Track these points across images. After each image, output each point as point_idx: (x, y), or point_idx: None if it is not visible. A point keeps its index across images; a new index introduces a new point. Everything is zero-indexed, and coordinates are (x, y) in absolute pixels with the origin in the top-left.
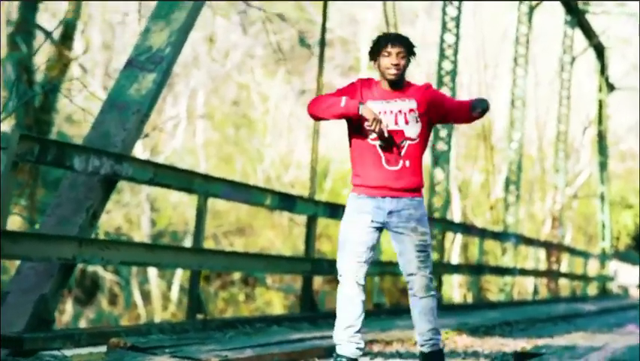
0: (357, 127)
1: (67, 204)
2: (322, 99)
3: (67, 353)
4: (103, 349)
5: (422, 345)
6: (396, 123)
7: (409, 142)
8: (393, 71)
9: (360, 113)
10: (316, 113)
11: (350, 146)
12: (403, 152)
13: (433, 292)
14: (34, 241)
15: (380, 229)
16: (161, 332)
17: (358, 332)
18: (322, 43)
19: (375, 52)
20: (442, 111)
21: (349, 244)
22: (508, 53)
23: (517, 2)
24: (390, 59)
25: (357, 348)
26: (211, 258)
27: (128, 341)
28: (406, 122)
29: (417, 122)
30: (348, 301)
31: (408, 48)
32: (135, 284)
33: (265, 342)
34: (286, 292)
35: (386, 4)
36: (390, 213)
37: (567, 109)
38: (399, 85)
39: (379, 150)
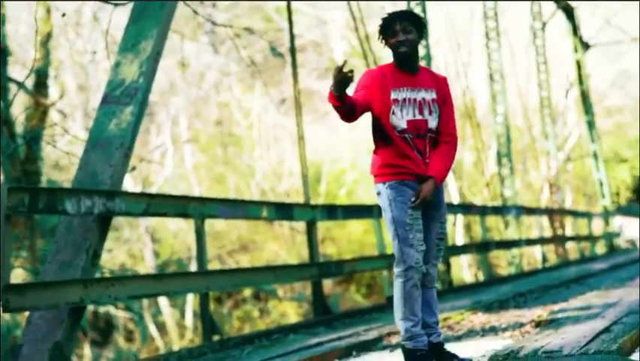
0: (385, 121)
1: (67, 248)
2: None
3: None
4: None
5: (430, 335)
6: (420, 113)
7: (430, 134)
8: (403, 48)
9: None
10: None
11: (378, 138)
12: (427, 144)
13: (437, 283)
14: (39, 290)
15: None
16: (180, 359)
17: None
18: (292, 45)
19: (384, 33)
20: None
21: (413, 232)
22: (479, 30)
23: None
24: (397, 37)
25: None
26: (218, 278)
27: None
28: (430, 113)
29: (437, 112)
30: (419, 294)
31: (414, 22)
32: (149, 317)
33: (284, 352)
34: (299, 300)
35: (350, 3)
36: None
37: (546, 74)
38: (414, 67)
39: (410, 142)
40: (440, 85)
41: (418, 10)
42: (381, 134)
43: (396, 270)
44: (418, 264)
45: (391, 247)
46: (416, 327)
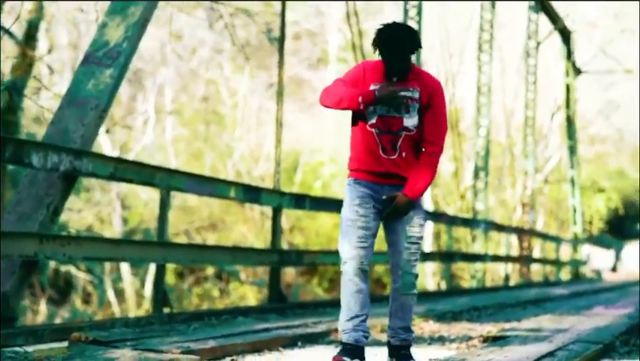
0: (359, 113)
1: (28, 200)
2: (334, 92)
3: (29, 348)
4: (65, 344)
5: (392, 337)
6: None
7: (405, 132)
8: (396, 71)
9: (378, 98)
10: (330, 106)
11: (351, 131)
12: (399, 142)
13: (415, 291)
14: None
15: (380, 216)
16: (126, 326)
17: (365, 320)
18: (281, 42)
19: (379, 46)
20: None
21: (354, 229)
22: (474, 41)
23: None
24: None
25: (364, 336)
26: (176, 251)
27: (90, 335)
28: (407, 111)
29: (415, 111)
30: (355, 290)
31: (413, 45)
32: (109, 282)
33: (229, 333)
34: (260, 286)
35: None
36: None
37: (534, 94)
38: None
39: (376, 138)
40: (428, 86)
41: (413, 12)
42: (355, 130)
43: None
44: (353, 260)
45: None
46: (349, 321)
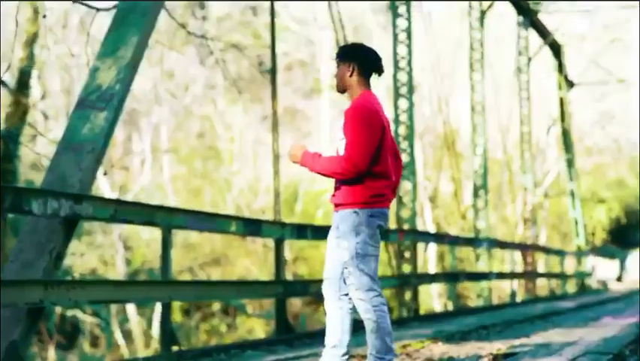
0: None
1: (30, 248)
2: None
3: None
4: None
5: None
6: None
7: None
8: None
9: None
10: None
11: None
12: None
13: (370, 314)
14: None
15: None
16: None
17: None
18: (274, 64)
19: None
20: None
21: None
22: (465, 60)
23: (468, 8)
24: None
25: None
26: (181, 289)
27: None
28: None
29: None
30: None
31: (341, 55)
32: (115, 324)
33: None
34: (267, 318)
35: (335, 24)
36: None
37: (528, 110)
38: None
39: None
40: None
41: (403, 36)
42: None
43: None
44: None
45: None
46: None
